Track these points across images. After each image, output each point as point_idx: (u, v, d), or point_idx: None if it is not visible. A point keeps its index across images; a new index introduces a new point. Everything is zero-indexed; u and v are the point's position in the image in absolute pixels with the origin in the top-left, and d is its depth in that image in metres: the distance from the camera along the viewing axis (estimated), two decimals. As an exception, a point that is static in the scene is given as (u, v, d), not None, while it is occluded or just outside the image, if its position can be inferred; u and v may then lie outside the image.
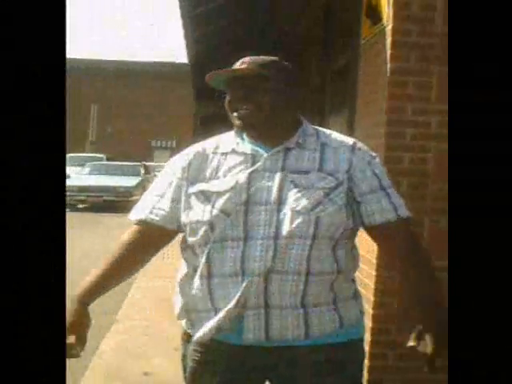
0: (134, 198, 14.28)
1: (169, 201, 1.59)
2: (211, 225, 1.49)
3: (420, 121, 2.85)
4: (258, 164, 1.51)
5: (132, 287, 5.66)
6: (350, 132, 3.65)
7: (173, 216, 1.58)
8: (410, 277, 1.53)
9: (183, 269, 1.61)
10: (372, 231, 1.56)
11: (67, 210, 12.91)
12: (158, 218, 1.58)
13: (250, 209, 1.48)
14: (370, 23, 3.18)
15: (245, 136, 1.58)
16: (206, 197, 1.51)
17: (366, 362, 2.95)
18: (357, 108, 3.49)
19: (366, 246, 2.13)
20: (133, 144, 30.33)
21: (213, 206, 1.49)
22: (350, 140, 1.60)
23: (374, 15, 3.09)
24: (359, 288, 3.12)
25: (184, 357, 1.64)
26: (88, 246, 7.60)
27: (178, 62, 29.00)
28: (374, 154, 1.59)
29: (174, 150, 28.88)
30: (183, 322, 1.62)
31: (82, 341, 1.51)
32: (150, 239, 1.61)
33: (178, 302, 1.62)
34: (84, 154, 21.88)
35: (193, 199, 1.53)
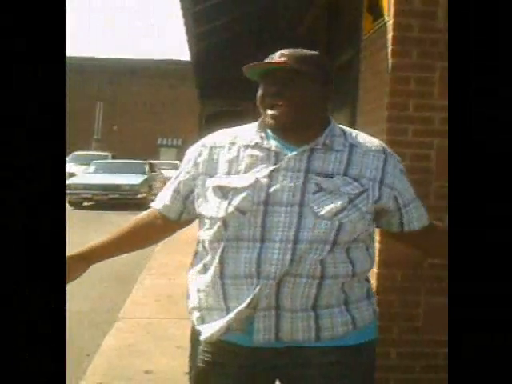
0: (139, 195, 14.31)
1: (171, 191, 1.61)
2: (225, 222, 1.45)
3: (422, 117, 2.82)
4: (281, 162, 1.45)
5: (135, 285, 5.66)
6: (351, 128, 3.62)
7: (173, 207, 1.60)
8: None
9: (195, 263, 1.58)
10: (407, 236, 1.60)
11: (72, 208, 12.96)
12: (160, 206, 1.64)
13: (269, 209, 1.42)
14: (371, 19, 3.15)
15: (269, 131, 1.52)
16: (224, 193, 1.46)
17: (368, 360, 2.93)
18: (358, 104, 3.46)
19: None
20: (138, 142, 30.38)
21: (229, 203, 1.44)
22: (378, 145, 1.55)
23: (376, 10, 3.07)
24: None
25: (192, 356, 1.61)
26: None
27: (184, 59, 29.03)
28: (399, 159, 1.58)
29: (180, 148, 28.95)
30: (193, 317, 1.58)
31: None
32: (154, 223, 1.66)
33: (190, 296, 1.59)
34: (89, 152, 21.91)
35: (210, 193, 1.49)
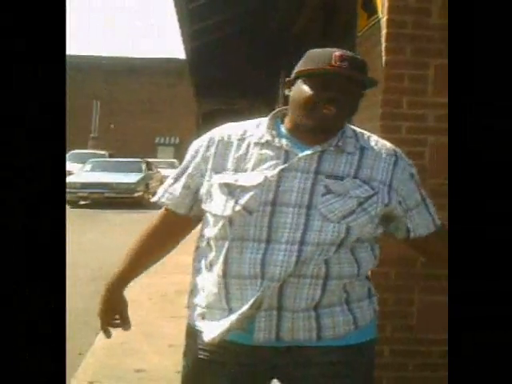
0: (136, 194, 14.31)
1: (181, 186, 1.55)
2: (231, 221, 1.42)
3: (416, 114, 2.80)
4: (291, 162, 1.42)
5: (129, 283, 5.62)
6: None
7: (183, 202, 1.54)
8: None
9: (199, 259, 1.55)
10: (414, 242, 1.58)
11: (69, 206, 12.94)
12: (169, 202, 1.57)
13: (276, 209, 1.40)
14: (365, 16, 3.14)
15: (282, 128, 1.49)
16: (230, 190, 1.43)
17: (361, 359, 2.91)
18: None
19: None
20: (136, 140, 30.33)
21: (236, 202, 1.41)
22: (390, 147, 1.53)
23: (370, 7, 3.05)
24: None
25: (186, 353, 1.59)
26: (88, 241, 7.58)
27: (182, 58, 29.00)
28: (411, 163, 1.56)
29: (178, 147, 28.92)
30: (193, 313, 1.55)
31: (125, 319, 1.74)
32: (167, 224, 1.60)
33: (192, 292, 1.57)
34: (86, 151, 21.90)
35: (215, 189, 1.46)
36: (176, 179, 1.57)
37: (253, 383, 1.52)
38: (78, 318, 4.41)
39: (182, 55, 6.59)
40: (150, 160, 18.43)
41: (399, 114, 2.79)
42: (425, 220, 1.55)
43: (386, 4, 2.77)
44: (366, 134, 1.55)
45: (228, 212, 1.42)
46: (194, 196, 1.54)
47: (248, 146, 1.47)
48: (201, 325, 1.51)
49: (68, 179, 13.75)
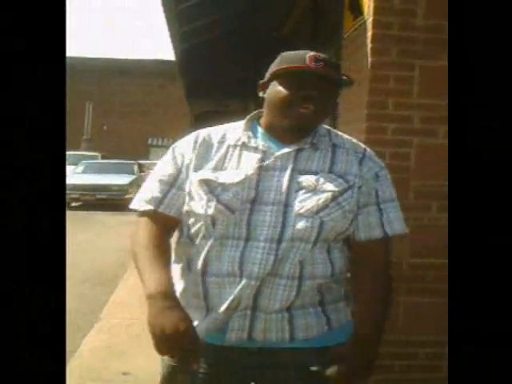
0: (128, 196, 14.28)
1: (166, 186, 1.48)
2: (213, 220, 1.42)
3: (401, 115, 2.80)
4: (268, 162, 1.44)
5: (119, 285, 5.61)
6: (333, 128, 3.60)
7: (170, 202, 1.48)
8: (360, 298, 1.49)
9: (177, 259, 1.54)
10: (353, 247, 1.51)
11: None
12: (155, 204, 1.48)
13: (255, 208, 1.41)
14: (352, 17, 3.13)
15: (259, 129, 1.50)
16: (211, 188, 1.43)
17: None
18: (340, 103, 3.44)
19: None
20: (129, 142, 30.26)
21: (217, 200, 1.41)
22: (360, 146, 1.54)
23: (356, 8, 3.05)
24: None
25: None
26: (79, 243, 7.55)
27: (174, 59, 28.95)
28: (382, 164, 1.54)
29: (170, 149, 28.80)
30: None
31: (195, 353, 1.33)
32: (158, 227, 1.47)
33: None
34: (78, 153, 21.79)
35: (195, 187, 1.45)
36: (159, 181, 1.51)
37: None
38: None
39: (173, 57, 6.58)
40: (142, 162, 18.44)
41: (385, 115, 2.79)
42: (368, 224, 1.47)
43: (372, 5, 2.77)
44: (339, 133, 1.57)
45: (210, 211, 1.42)
46: (177, 196, 1.50)
47: (227, 148, 1.48)
48: None
49: (60, 181, 13.72)
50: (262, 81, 1.51)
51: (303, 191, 1.41)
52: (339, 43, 3.51)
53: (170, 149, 1.56)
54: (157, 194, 1.49)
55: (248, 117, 1.54)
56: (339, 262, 1.48)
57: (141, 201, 1.51)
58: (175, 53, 6.00)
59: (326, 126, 1.56)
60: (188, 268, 1.48)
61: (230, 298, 1.39)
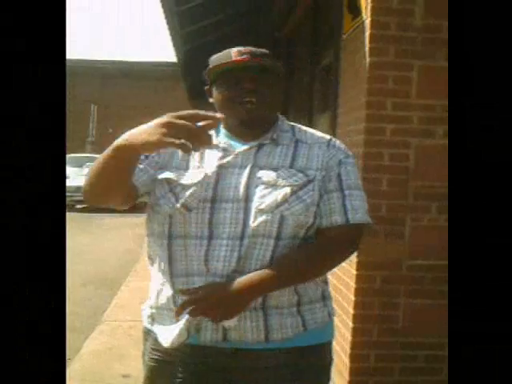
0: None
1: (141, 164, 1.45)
2: (170, 218, 1.43)
3: (400, 116, 2.79)
4: (228, 159, 1.44)
5: (121, 287, 5.61)
6: (332, 129, 3.59)
7: (141, 175, 1.45)
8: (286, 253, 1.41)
9: (149, 261, 1.54)
10: (317, 236, 1.46)
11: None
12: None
13: (216, 206, 1.41)
14: (350, 17, 3.12)
15: (221, 128, 1.51)
16: (171, 188, 1.44)
17: (348, 363, 2.89)
18: (339, 104, 3.43)
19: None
20: (134, 144, 30.32)
21: (176, 200, 1.42)
22: (326, 137, 1.53)
23: (355, 9, 3.03)
24: (340, 287, 3.09)
25: (143, 354, 1.57)
26: (82, 245, 7.56)
27: (177, 61, 28.98)
28: (348, 153, 1.52)
29: (175, 150, 28.83)
30: (144, 315, 1.54)
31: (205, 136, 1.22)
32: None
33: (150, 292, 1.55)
34: (83, 155, 21.85)
35: (158, 185, 1.46)
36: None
37: None
38: (67, 323, 4.40)
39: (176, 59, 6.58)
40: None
41: (383, 116, 2.78)
42: (329, 210, 1.44)
43: (370, 5, 2.76)
44: (305, 128, 1.56)
45: (166, 209, 1.43)
46: (149, 176, 1.47)
47: None
48: (154, 328, 1.50)
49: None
50: (206, 87, 1.55)
51: (263, 187, 1.41)
52: (339, 44, 3.50)
53: None
54: None
55: None
56: None
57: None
58: (178, 54, 6.00)
59: (291, 123, 1.56)
60: (158, 267, 1.48)
61: None
